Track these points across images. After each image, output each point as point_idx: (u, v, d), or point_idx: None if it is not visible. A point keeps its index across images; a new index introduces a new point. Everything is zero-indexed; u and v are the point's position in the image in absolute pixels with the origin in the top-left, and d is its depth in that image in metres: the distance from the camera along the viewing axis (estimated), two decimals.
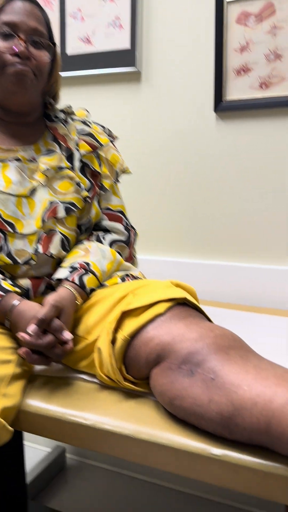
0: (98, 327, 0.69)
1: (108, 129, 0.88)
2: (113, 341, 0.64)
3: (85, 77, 1.18)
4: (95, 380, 0.68)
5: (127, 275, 0.79)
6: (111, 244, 0.82)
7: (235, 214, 1.05)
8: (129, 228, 0.85)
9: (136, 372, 0.64)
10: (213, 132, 1.06)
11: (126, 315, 0.66)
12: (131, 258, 0.87)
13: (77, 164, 0.80)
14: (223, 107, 1.04)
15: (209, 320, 0.69)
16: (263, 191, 1.03)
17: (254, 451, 0.52)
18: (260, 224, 1.03)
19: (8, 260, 0.72)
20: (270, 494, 0.51)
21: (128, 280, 0.78)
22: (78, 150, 0.81)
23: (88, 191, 0.80)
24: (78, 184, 0.78)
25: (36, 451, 1.30)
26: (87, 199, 0.79)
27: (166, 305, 0.65)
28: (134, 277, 0.80)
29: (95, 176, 0.82)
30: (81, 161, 0.81)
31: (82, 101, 1.19)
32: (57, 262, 0.77)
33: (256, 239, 1.04)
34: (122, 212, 0.85)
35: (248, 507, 1.08)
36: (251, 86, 1.01)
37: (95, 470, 1.25)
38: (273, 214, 1.02)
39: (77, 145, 0.81)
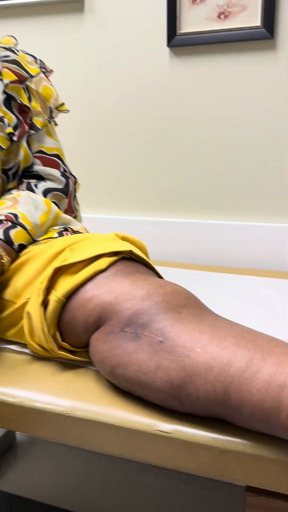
0: (29, 289, 0.58)
1: (41, 60, 0.76)
2: (45, 304, 0.55)
3: (17, 7, 1.03)
4: (25, 350, 0.59)
5: (65, 229, 0.69)
6: (46, 193, 0.71)
7: (191, 163, 0.96)
8: (67, 175, 0.74)
9: (74, 339, 0.55)
10: (166, 70, 0.95)
11: (61, 272, 0.56)
12: (72, 211, 0.76)
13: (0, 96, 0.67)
14: (178, 41, 0.92)
15: (160, 277, 0.60)
16: (223, 136, 0.94)
17: (210, 425, 0.45)
18: (220, 174, 0.95)
19: None
20: (228, 474, 0.44)
21: (67, 234, 0.68)
22: (1, 79, 0.68)
23: (14, 129, 0.68)
24: (1, 120, 0.66)
25: None
26: (13, 137, 0.67)
27: (108, 260, 0.56)
28: (75, 232, 0.70)
29: (23, 112, 0.70)
30: (4, 92, 0.68)
31: (14, 34, 1.05)
32: None
33: (216, 192, 0.96)
34: (58, 157, 0.74)
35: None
36: (208, 16, 0.91)
37: (47, 445, 1.18)
38: (235, 162, 0.93)
39: (0, 73, 0.68)
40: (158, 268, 0.83)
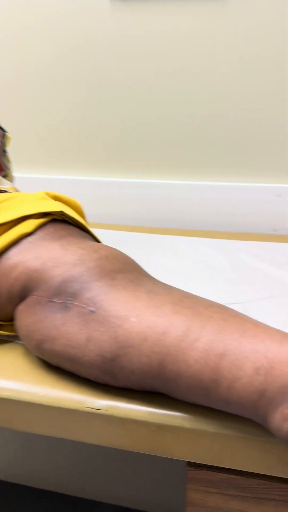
0: None
1: None
2: None
3: None
4: None
5: None
6: None
7: (133, 118, 0.90)
8: None
9: None
10: (108, 14, 0.87)
11: None
12: (0, 169, 0.69)
13: None
14: None
15: (97, 241, 0.55)
16: (173, 90, 0.88)
17: (146, 399, 0.41)
18: (166, 130, 0.89)
19: None
20: (167, 450, 0.41)
21: None
22: None
23: None
24: None
25: None
26: None
27: (36, 222, 0.50)
28: (1, 192, 0.63)
29: None
30: None
31: None
32: None
33: (161, 149, 0.90)
34: None
35: None
36: None
37: None
38: (182, 115, 0.88)
39: None
40: (99, 232, 0.78)
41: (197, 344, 0.38)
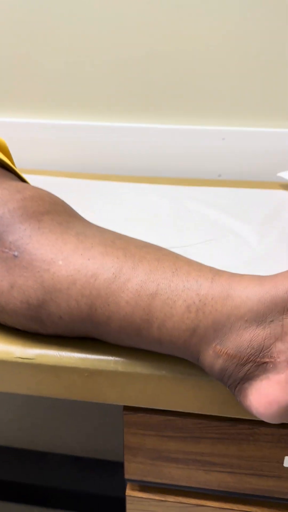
0: None
1: None
2: None
3: None
4: None
5: None
6: None
7: (75, 52, 0.83)
8: None
9: None
10: None
11: None
12: None
13: None
14: None
15: (24, 181, 0.51)
16: (110, 22, 0.81)
17: (78, 345, 0.40)
18: (108, 68, 0.83)
19: None
20: (101, 396, 0.40)
21: None
22: None
23: None
24: None
25: None
26: None
27: None
28: None
29: None
30: None
31: None
32: None
33: (103, 89, 0.85)
34: None
35: None
36: None
37: None
38: (126, 53, 0.82)
39: None
40: (36, 178, 0.73)
41: (129, 285, 0.36)
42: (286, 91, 0.81)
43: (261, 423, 0.42)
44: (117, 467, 0.85)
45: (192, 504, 0.48)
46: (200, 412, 0.40)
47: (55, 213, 0.42)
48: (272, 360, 0.33)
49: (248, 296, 0.33)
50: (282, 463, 0.44)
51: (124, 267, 0.37)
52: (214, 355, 0.34)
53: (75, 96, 0.86)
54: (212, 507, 0.48)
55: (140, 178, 0.82)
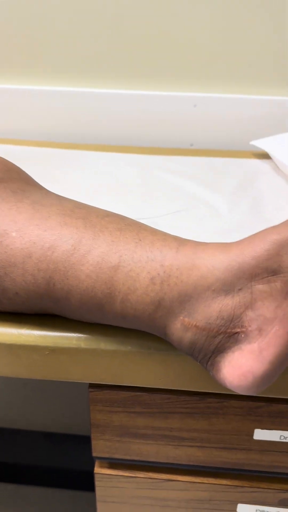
0: None
1: None
2: None
3: None
4: None
5: None
6: None
7: (39, 9, 0.78)
8: None
9: None
10: None
11: None
12: None
13: None
14: None
15: None
16: None
17: (37, 322, 0.38)
18: (75, 29, 0.78)
19: None
20: (64, 374, 0.38)
21: None
22: None
23: None
24: None
25: None
26: None
27: None
28: None
29: None
30: None
31: None
32: None
33: (69, 51, 0.80)
34: None
35: None
36: None
37: None
38: (97, 18, 0.77)
39: None
40: None
41: (89, 257, 0.34)
42: (259, 56, 0.78)
43: (230, 396, 0.41)
44: (89, 441, 0.85)
45: (162, 479, 0.48)
46: (168, 388, 0.39)
47: (9, 180, 0.39)
48: (244, 329, 0.31)
49: (214, 265, 0.32)
50: (252, 435, 0.43)
51: (84, 238, 0.34)
52: (182, 328, 0.32)
53: (37, 60, 0.81)
54: (183, 481, 0.47)
55: (108, 147, 0.78)
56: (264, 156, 0.75)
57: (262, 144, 0.73)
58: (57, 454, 0.96)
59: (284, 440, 0.43)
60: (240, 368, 0.31)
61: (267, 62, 0.78)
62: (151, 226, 0.38)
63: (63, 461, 0.95)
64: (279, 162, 0.68)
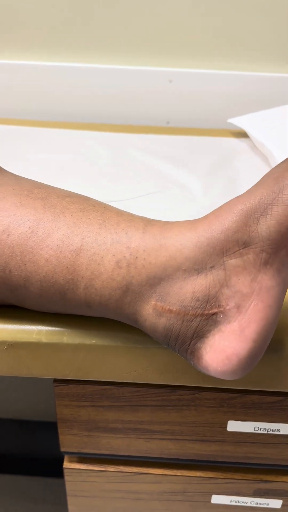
0: None
1: None
2: None
3: None
4: None
5: None
6: None
7: None
8: None
9: None
10: None
11: None
12: None
13: None
14: None
15: None
16: None
17: None
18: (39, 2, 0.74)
19: None
20: (24, 370, 0.36)
21: None
22: None
23: None
24: None
25: None
26: None
27: None
28: None
29: None
30: None
31: None
32: None
33: (31, 23, 0.75)
34: None
35: None
36: None
37: None
38: None
39: None
40: None
41: (48, 241, 0.31)
42: (237, 30, 0.74)
43: (202, 388, 0.40)
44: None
45: (133, 472, 0.46)
46: (136, 381, 0.37)
47: None
48: (221, 309, 0.29)
49: (183, 243, 0.29)
50: (226, 427, 0.42)
51: (43, 219, 0.31)
52: (155, 313, 0.30)
53: (3, 33, 0.76)
54: (155, 474, 0.46)
55: (77, 124, 0.75)
56: (242, 134, 0.72)
57: (239, 122, 0.71)
58: (29, 441, 0.95)
59: (258, 431, 0.42)
60: (223, 351, 0.29)
61: (246, 36, 0.75)
62: (122, 209, 0.35)
63: (36, 449, 0.93)
64: (256, 140, 0.66)
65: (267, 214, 0.28)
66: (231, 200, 0.30)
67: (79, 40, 0.76)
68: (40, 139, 0.69)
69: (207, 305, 0.29)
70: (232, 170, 0.62)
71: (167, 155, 0.67)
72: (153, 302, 0.30)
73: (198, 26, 0.75)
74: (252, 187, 0.30)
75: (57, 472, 0.87)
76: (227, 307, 0.29)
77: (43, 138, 0.70)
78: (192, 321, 0.30)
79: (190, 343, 0.30)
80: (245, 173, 0.61)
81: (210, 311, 0.30)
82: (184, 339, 0.30)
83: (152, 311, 0.30)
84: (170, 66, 0.78)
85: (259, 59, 0.77)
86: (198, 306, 0.29)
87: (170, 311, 0.30)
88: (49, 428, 0.92)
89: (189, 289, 0.29)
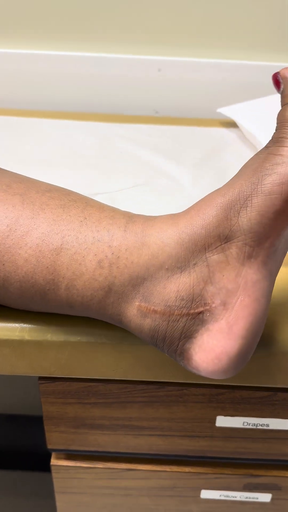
0: None
1: None
2: None
3: None
4: None
5: None
6: None
7: None
8: None
9: None
10: None
11: None
12: None
13: None
14: None
15: None
16: None
17: None
18: None
19: None
20: (8, 368, 0.35)
21: None
22: None
23: None
24: None
25: None
26: None
27: None
28: None
29: None
30: None
31: None
32: None
33: (17, 9, 0.73)
34: None
35: None
36: None
37: None
38: None
39: None
40: None
41: (27, 239, 0.30)
42: (226, 18, 0.73)
43: (190, 384, 0.39)
44: None
45: (122, 469, 0.46)
46: (122, 378, 0.36)
47: None
48: (207, 307, 0.29)
49: (164, 240, 0.29)
50: (214, 423, 0.42)
51: (21, 217, 0.31)
52: (140, 314, 0.29)
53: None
54: (144, 470, 0.46)
55: (62, 114, 0.73)
56: (231, 124, 0.71)
57: (229, 112, 0.70)
58: (16, 436, 0.94)
59: (248, 426, 0.42)
60: (212, 351, 0.29)
61: (235, 25, 0.74)
62: (110, 201, 0.34)
63: (22, 443, 0.93)
64: (246, 131, 0.65)
65: (247, 206, 0.28)
66: (211, 192, 0.29)
67: (64, 28, 0.74)
68: (24, 129, 0.68)
69: (193, 304, 0.29)
70: (221, 160, 0.61)
71: (155, 146, 0.66)
72: (137, 303, 0.29)
73: (187, 14, 0.73)
74: (231, 179, 0.29)
75: (45, 466, 0.87)
76: (213, 305, 0.29)
77: (26, 128, 0.68)
78: (178, 321, 0.29)
79: (178, 344, 0.30)
80: (234, 163, 0.60)
81: (196, 310, 0.29)
82: (172, 340, 0.30)
83: (136, 312, 0.30)
84: (159, 55, 0.76)
85: (249, 48, 0.76)
86: (183, 305, 0.29)
87: (154, 311, 0.29)
88: (37, 423, 0.92)
89: (173, 288, 0.29)
